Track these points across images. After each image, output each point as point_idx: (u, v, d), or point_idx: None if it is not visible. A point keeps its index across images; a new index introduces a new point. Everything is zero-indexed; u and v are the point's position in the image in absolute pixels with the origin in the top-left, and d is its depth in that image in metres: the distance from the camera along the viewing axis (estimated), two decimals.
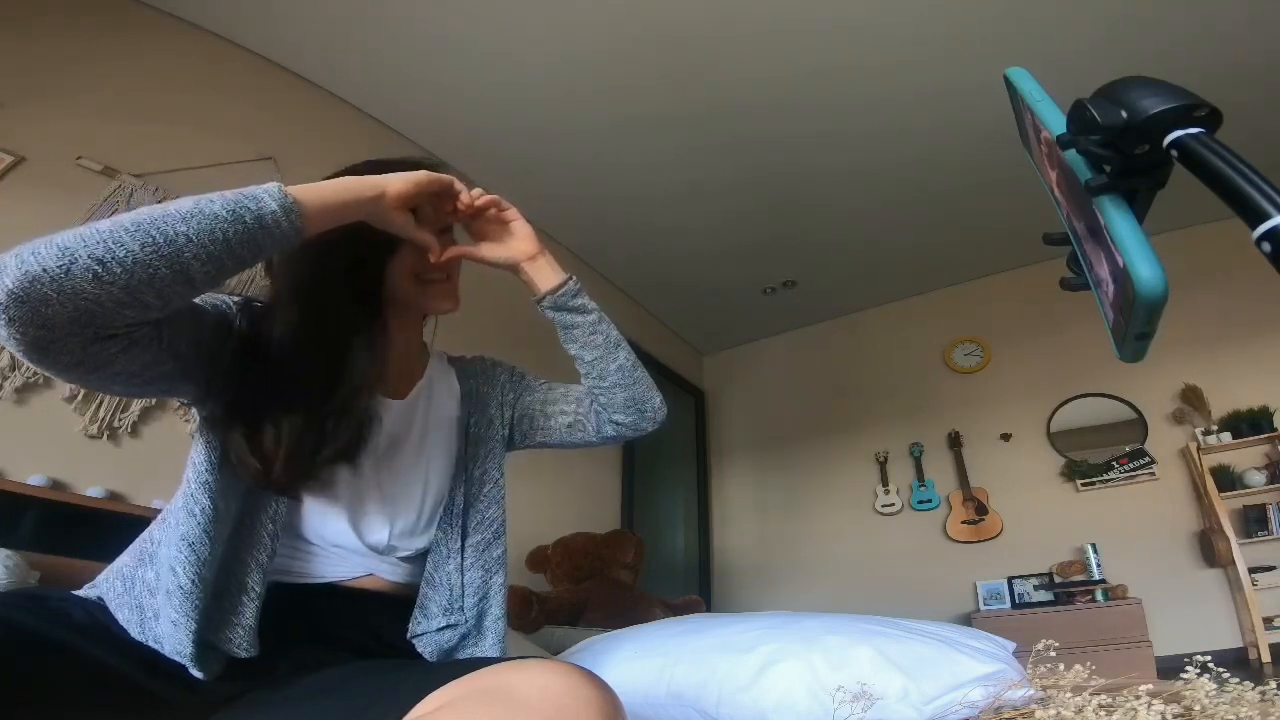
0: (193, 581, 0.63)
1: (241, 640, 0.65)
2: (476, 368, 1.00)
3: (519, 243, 0.88)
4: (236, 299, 0.74)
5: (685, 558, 4.77)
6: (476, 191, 0.83)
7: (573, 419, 0.95)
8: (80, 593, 0.71)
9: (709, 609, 3.85)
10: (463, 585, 0.82)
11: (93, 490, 1.91)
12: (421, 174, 0.73)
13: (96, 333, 0.54)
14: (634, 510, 4.19)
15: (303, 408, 0.69)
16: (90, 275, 0.50)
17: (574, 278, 0.90)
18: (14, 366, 1.87)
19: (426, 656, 0.78)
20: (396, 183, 0.70)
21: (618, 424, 0.92)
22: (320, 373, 0.71)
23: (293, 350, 0.70)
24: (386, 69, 2.88)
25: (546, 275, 0.88)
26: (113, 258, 0.51)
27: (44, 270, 0.49)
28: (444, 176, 0.77)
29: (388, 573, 0.79)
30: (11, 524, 1.70)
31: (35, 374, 1.90)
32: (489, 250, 0.87)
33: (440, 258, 0.81)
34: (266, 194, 0.59)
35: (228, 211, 0.56)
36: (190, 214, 0.55)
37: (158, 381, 0.64)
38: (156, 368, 0.62)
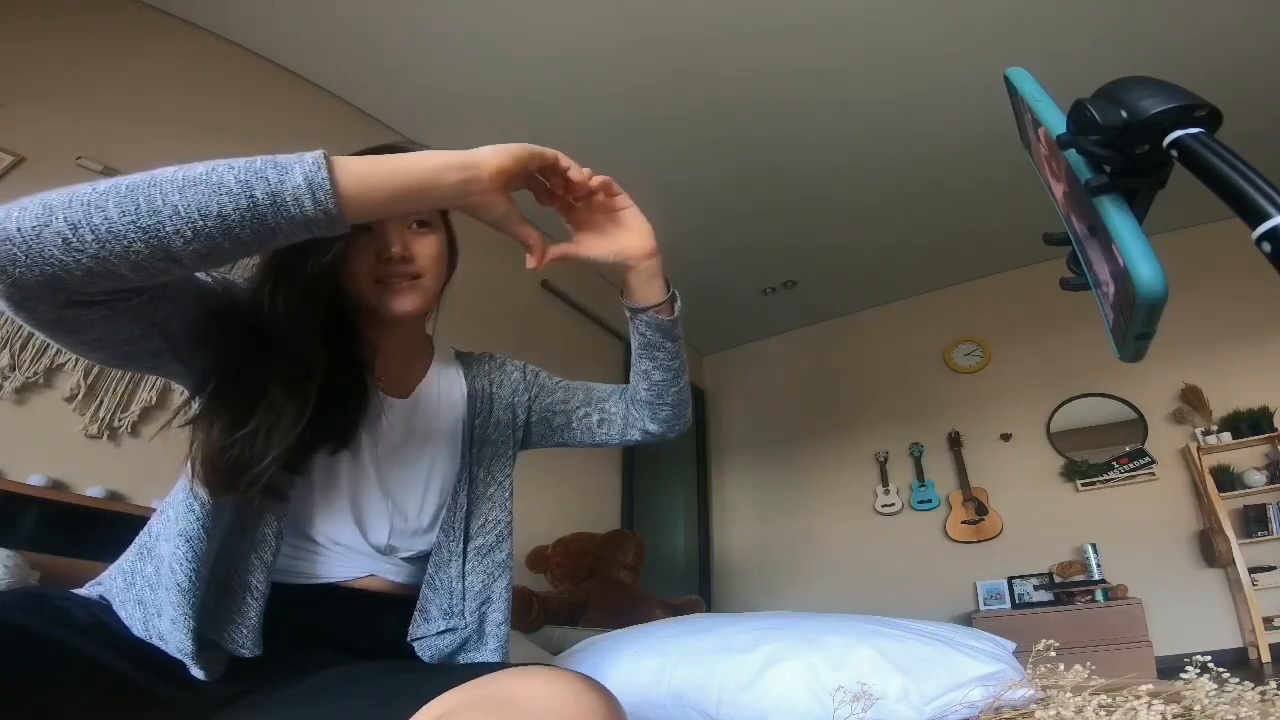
0: (190, 579, 0.62)
1: (245, 640, 0.64)
2: (485, 366, 0.95)
3: (633, 237, 0.73)
4: (246, 283, 0.70)
5: (685, 558, 4.77)
6: (586, 170, 0.68)
7: (599, 420, 0.92)
8: (82, 591, 0.71)
9: (709, 609, 3.85)
10: (464, 589, 0.81)
11: (93, 490, 1.91)
12: (523, 146, 0.62)
13: (69, 298, 0.50)
14: (634, 510, 4.19)
15: (259, 416, 0.64)
16: (60, 240, 0.46)
17: (678, 295, 0.81)
18: (14, 366, 1.87)
19: (426, 660, 0.77)
20: (492, 158, 0.59)
21: (648, 432, 0.89)
22: (284, 379, 0.65)
23: (255, 350, 0.66)
24: (387, 69, 2.87)
25: (656, 285, 0.77)
26: (87, 223, 0.46)
27: (18, 230, 0.46)
28: (548, 150, 0.64)
29: (390, 573, 0.79)
30: (11, 524, 1.70)
31: (35, 374, 1.90)
32: (594, 246, 0.72)
33: (542, 261, 0.67)
34: (298, 165, 0.50)
35: (237, 183, 0.49)
36: (194, 181, 0.48)
37: (141, 357, 0.60)
38: (142, 342, 0.58)
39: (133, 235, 0.47)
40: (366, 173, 0.53)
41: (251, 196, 0.49)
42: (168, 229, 0.48)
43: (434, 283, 0.79)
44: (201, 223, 0.48)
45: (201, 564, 0.63)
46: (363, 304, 0.77)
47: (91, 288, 0.50)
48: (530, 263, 0.67)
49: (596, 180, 0.69)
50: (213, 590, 0.65)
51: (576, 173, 0.67)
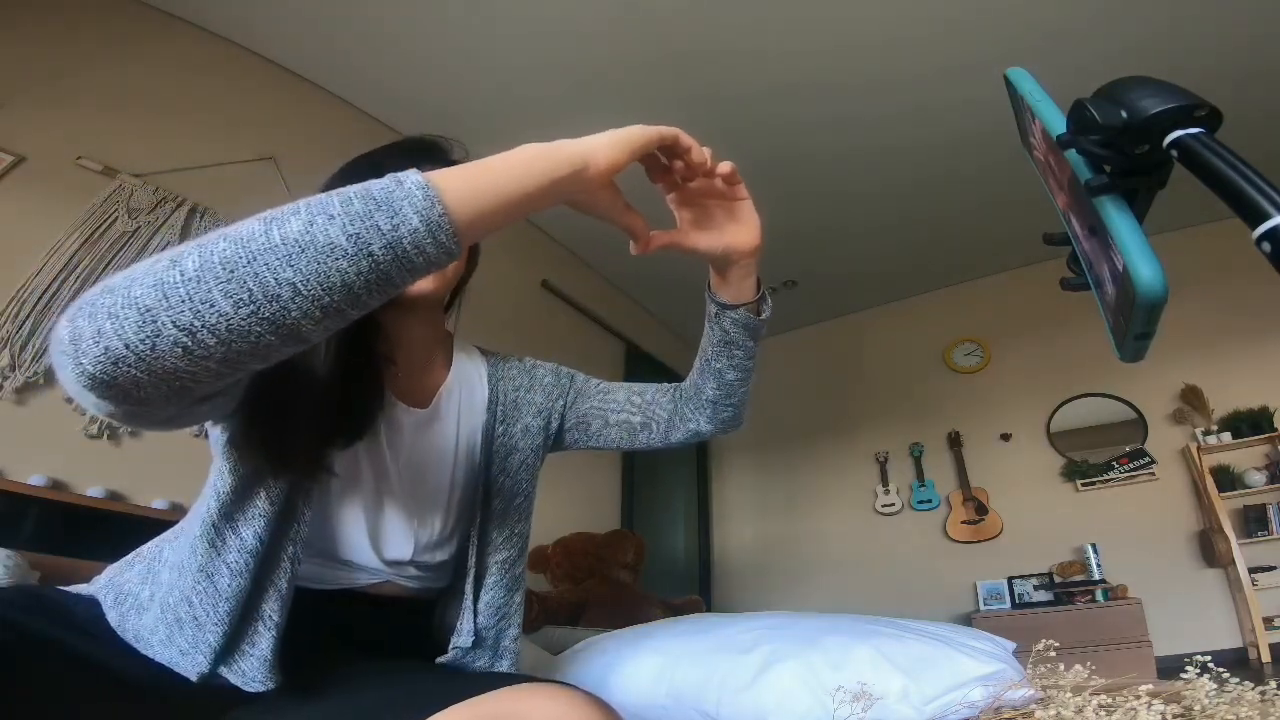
0: (208, 613, 0.60)
1: (255, 673, 0.60)
2: (514, 369, 0.89)
3: (744, 231, 0.67)
4: None
5: (685, 558, 4.77)
6: (708, 150, 0.61)
7: (641, 424, 0.86)
8: (82, 590, 0.71)
9: (709, 609, 3.85)
10: (483, 606, 0.78)
11: (93, 490, 1.91)
12: (640, 133, 0.55)
13: (195, 398, 0.45)
14: (634, 510, 4.19)
15: (296, 399, 0.63)
16: (179, 350, 0.39)
17: (768, 295, 0.75)
18: (14, 366, 1.87)
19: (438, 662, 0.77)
20: (605, 150, 0.52)
21: (697, 433, 0.83)
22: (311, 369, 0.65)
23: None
24: (387, 69, 2.87)
25: (750, 283, 0.72)
26: (202, 324, 0.39)
27: (127, 347, 0.39)
28: (667, 129, 0.57)
29: (407, 581, 0.77)
30: (11, 524, 1.70)
31: (35, 374, 1.90)
32: (703, 236, 0.67)
33: (647, 248, 0.62)
34: (407, 203, 0.42)
35: (348, 239, 0.41)
36: (299, 245, 0.40)
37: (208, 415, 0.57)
38: (226, 407, 0.56)
39: (258, 329, 0.41)
40: (473, 196, 0.46)
41: (370, 255, 0.42)
42: (294, 315, 0.41)
43: (453, 266, 0.75)
44: (326, 298, 0.41)
45: (221, 600, 0.60)
46: None
47: (220, 383, 0.45)
48: (634, 249, 0.62)
49: (725, 166, 0.63)
50: (223, 625, 0.61)
51: (698, 154, 0.60)
